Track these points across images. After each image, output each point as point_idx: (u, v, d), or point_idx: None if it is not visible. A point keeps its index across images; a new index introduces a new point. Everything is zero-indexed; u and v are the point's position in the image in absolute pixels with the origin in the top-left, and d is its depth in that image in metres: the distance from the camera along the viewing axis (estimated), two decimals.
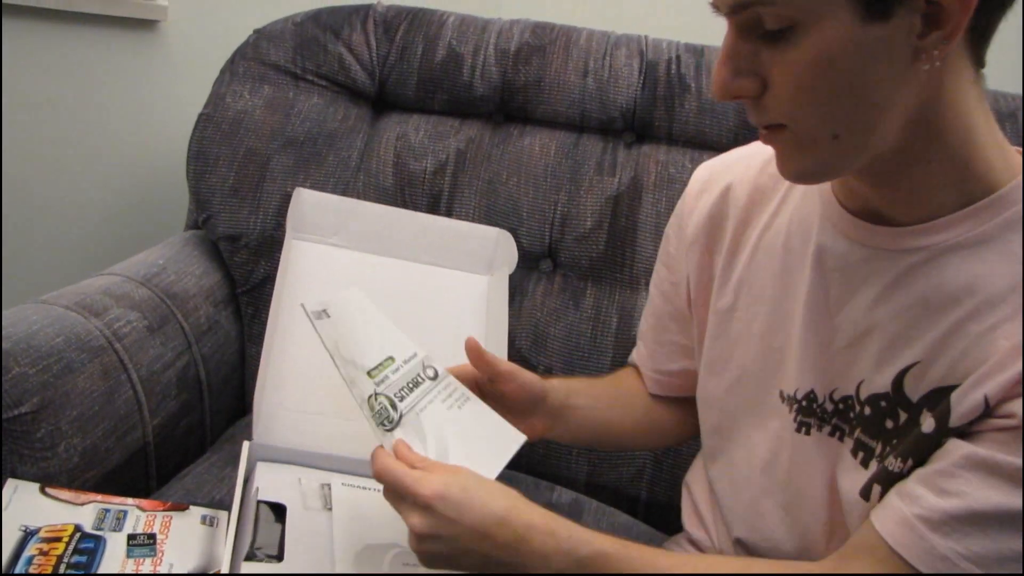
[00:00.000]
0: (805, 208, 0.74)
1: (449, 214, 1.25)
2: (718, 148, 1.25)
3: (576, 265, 1.25)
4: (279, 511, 0.81)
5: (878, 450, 0.67)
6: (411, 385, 0.75)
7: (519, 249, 1.22)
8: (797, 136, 0.61)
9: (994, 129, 0.64)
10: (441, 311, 1.12)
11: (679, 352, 0.91)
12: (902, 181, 0.64)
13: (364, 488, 0.90)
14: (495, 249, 1.19)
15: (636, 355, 0.97)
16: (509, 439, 0.75)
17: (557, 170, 1.26)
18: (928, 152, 0.62)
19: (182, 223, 1.36)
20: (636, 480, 1.18)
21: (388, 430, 0.72)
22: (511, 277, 1.21)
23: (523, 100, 1.29)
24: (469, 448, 0.72)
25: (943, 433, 0.62)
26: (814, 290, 0.72)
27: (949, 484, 0.59)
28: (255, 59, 1.29)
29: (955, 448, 0.61)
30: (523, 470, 1.18)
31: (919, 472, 0.62)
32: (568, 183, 1.26)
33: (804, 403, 0.73)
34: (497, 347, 1.03)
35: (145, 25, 1.48)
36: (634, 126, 1.29)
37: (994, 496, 0.58)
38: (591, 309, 1.22)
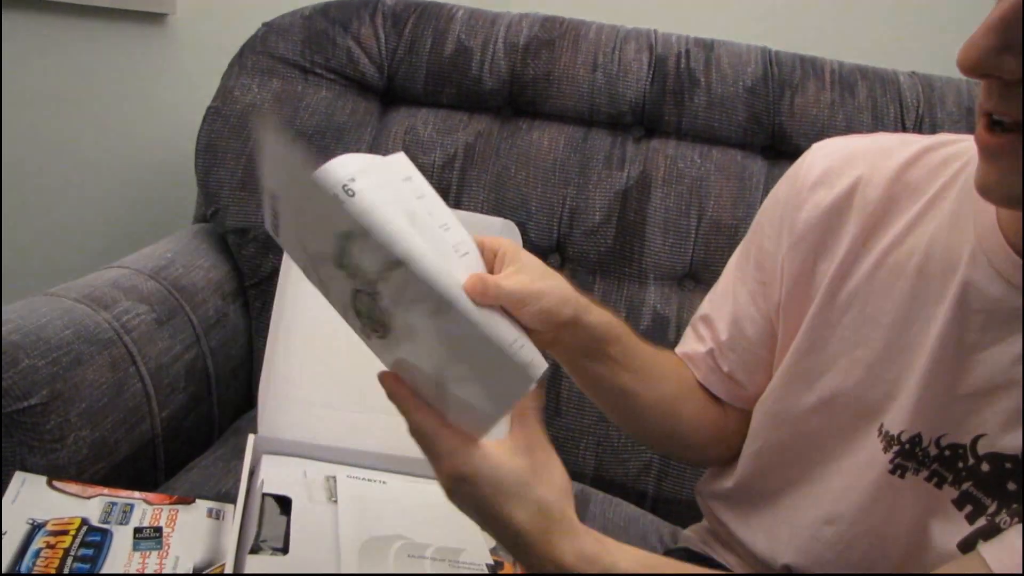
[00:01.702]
0: (954, 231, 0.64)
1: (457, 208, 1.25)
2: (727, 143, 1.26)
3: (584, 259, 1.24)
4: (284, 504, 0.81)
5: (991, 508, 0.62)
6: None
7: (527, 243, 1.22)
8: None
9: None
10: None
11: (750, 360, 0.80)
12: None
13: (369, 480, 0.90)
14: None
15: (689, 346, 0.84)
16: (520, 372, 0.56)
17: (566, 164, 1.26)
18: None
19: (190, 216, 1.36)
20: (643, 475, 1.18)
21: (380, 337, 0.59)
22: None
23: (532, 94, 1.29)
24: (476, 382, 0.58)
25: None
26: (949, 329, 0.63)
27: None
28: (264, 52, 1.30)
29: None
30: None
31: None
32: (577, 177, 1.25)
33: (907, 446, 0.66)
34: None
35: (154, 18, 1.48)
36: (643, 120, 1.28)
37: None
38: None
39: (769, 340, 0.78)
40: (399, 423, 1.03)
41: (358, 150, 1.28)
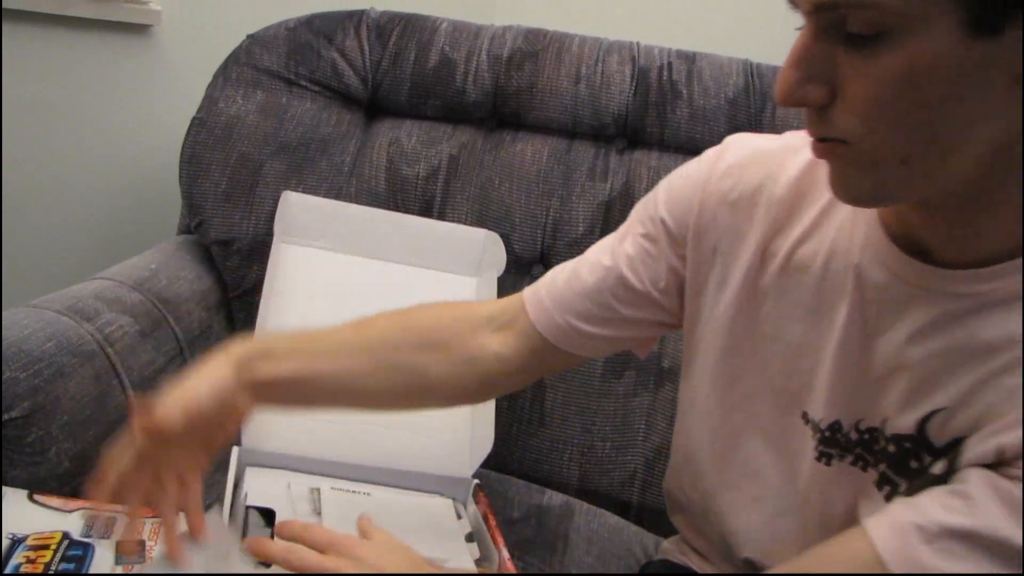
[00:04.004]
0: (852, 226, 0.67)
1: (442, 219, 1.26)
2: None
3: None
4: (268, 516, 0.81)
5: (903, 487, 0.64)
6: None
7: (511, 254, 1.23)
8: (859, 155, 0.55)
9: None
10: None
11: (607, 319, 0.78)
12: (964, 220, 0.58)
13: (353, 492, 0.91)
14: (483, 251, 1.19)
15: (533, 294, 0.81)
16: None
17: (549, 176, 1.27)
18: (1001, 192, 0.56)
19: (175, 227, 1.36)
20: (627, 485, 1.19)
21: None
22: (503, 282, 1.21)
23: (515, 106, 1.30)
24: None
25: (951, 472, 0.59)
26: (851, 318, 0.66)
27: (958, 503, 0.57)
28: (248, 64, 1.30)
29: (975, 473, 0.58)
30: (514, 473, 1.18)
31: (933, 488, 0.60)
32: (560, 189, 1.26)
33: (828, 433, 0.69)
34: None
35: (138, 30, 1.48)
36: (626, 132, 1.29)
37: (1002, 526, 0.55)
38: None
39: (641, 309, 0.78)
40: (383, 435, 1.03)
41: (342, 162, 1.28)
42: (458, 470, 0.98)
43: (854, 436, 0.67)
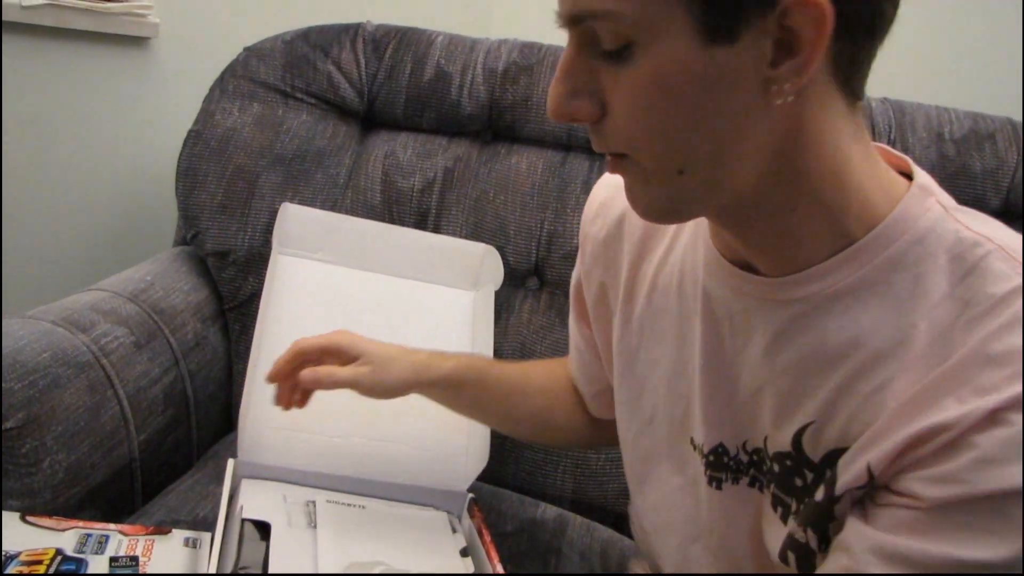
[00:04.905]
0: (693, 252, 0.68)
1: (437, 232, 1.26)
2: None
3: (562, 283, 1.25)
4: (264, 529, 0.81)
5: (793, 507, 0.62)
6: None
7: (506, 267, 1.23)
8: (640, 168, 0.55)
9: (873, 160, 0.57)
10: (427, 326, 1.13)
11: (587, 371, 0.90)
12: (766, 230, 0.58)
13: (349, 505, 0.90)
14: (481, 265, 1.20)
15: (570, 366, 0.94)
16: None
17: (544, 188, 1.27)
18: (792, 197, 0.55)
19: (170, 239, 1.36)
20: (622, 497, 1.19)
21: None
22: (497, 294, 1.22)
23: (511, 119, 1.30)
24: None
25: (833, 500, 0.57)
26: (708, 338, 0.66)
27: None
28: (245, 77, 1.30)
29: (856, 539, 0.55)
30: (508, 486, 1.18)
31: (828, 566, 0.57)
32: (555, 201, 1.27)
33: (711, 458, 0.67)
34: None
35: (135, 42, 1.49)
36: None
37: None
38: None
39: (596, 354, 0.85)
40: (378, 449, 1.03)
41: (338, 174, 1.29)
42: (454, 484, 0.98)
43: (744, 458, 0.66)
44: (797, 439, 0.60)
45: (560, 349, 1.21)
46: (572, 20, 0.52)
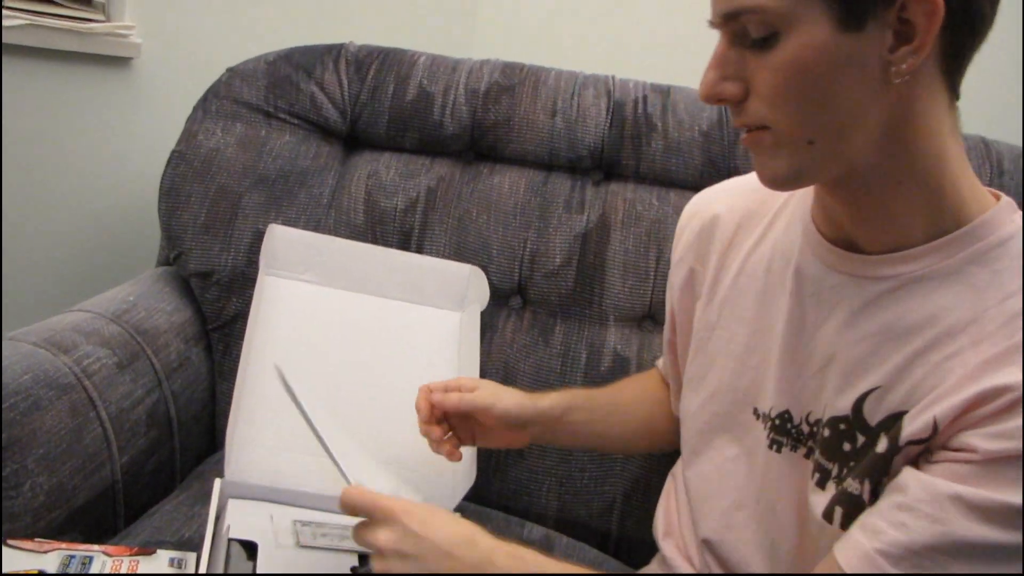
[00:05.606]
0: (789, 234, 0.78)
1: (420, 251, 1.26)
2: (684, 186, 1.28)
3: (545, 302, 1.26)
4: (251, 549, 0.81)
5: (834, 472, 0.70)
6: None
7: (489, 286, 1.24)
8: (776, 138, 0.64)
9: (965, 162, 0.67)
10: (413, 347, 1.13)
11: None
12: (875, 203, 0.67)
13: (336, 524, 0.90)
14: (467, 285, 1.20)
15: (660, 363, 1.04)
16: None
17: (526, 208, 1.28)
18: (900, 172, 0.65)
19: (153, 259, 1.35)
20: (606, 514, 1.19)
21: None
22: (481, 314, 1.22)
23: (493, 139, 1.31)
24: None
25: (895, 451, 0.64)
26: (792, 313, 0.75)
27: (907, 518, 0.60)
28: (228, 97, 1.31)
29: (913, 479, 0.62)
30: (493, 505, 1.18)
31: (880, 504, 0.64)
32: (537, 221, 1.27)
33: (777, 422, 0.76)
34: None
35: (118, 62, 1.48)
36: (602, 164, 1.31)
37: (956, 529, 0.58)
38: (560, 345, 1.23)
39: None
40: (366, 468, 1.02)
41: (321, 194, 1.29)
42: (441, 503, 0.98)
43: (805, 428, 0.74)
44: (859, 403, 0.69)
45: (544, 367, 1.22)
46: (727, 17, 0.63)
